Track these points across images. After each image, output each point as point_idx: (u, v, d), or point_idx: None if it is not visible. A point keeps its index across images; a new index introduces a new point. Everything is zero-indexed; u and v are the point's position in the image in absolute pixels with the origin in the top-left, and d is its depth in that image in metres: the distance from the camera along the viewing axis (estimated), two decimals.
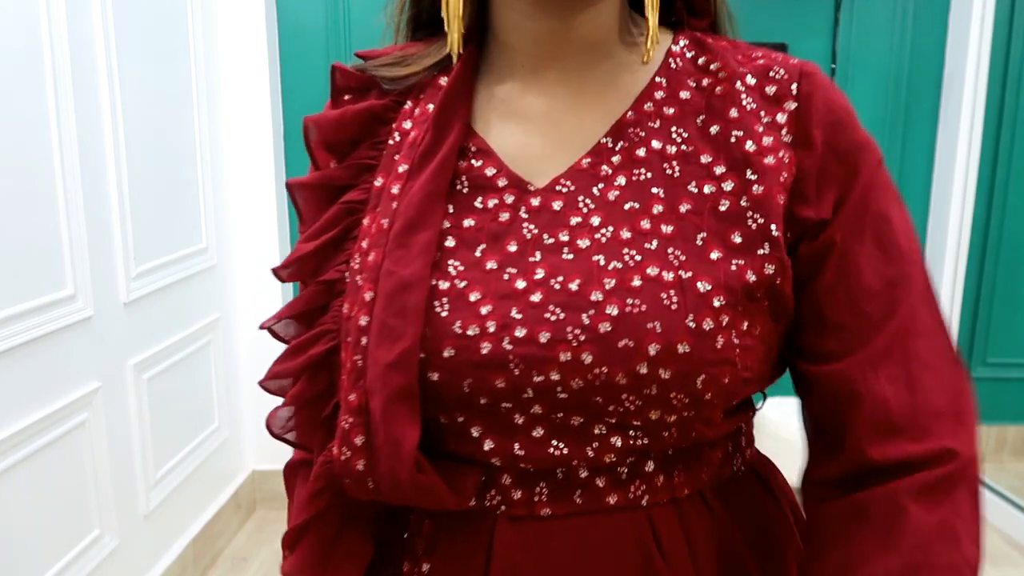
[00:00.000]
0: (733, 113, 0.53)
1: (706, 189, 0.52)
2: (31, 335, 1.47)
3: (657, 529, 0.54)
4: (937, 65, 2.50)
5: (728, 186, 0.52)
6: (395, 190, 0.56)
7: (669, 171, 0.53)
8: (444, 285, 0.52)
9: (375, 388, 0.50)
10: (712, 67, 0.55)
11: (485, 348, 0.49)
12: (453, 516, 0.55)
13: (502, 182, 0.55)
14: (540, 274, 0.51)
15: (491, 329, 0.50)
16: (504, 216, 0.54)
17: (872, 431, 0.50)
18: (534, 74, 0.57)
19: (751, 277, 0.50)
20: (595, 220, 0.52)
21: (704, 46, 0.57)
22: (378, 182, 0.58)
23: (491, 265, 0.52)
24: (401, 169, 0.57)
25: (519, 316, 0.50)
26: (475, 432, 0.52)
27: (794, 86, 0.53)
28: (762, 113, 0.53)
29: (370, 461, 0.51)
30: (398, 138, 0.59)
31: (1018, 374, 2.68)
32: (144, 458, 1.88)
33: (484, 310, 0.50)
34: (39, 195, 1.51)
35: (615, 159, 0.54)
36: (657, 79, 0.56)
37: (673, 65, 0.56)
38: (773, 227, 0.50)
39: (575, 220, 0.52)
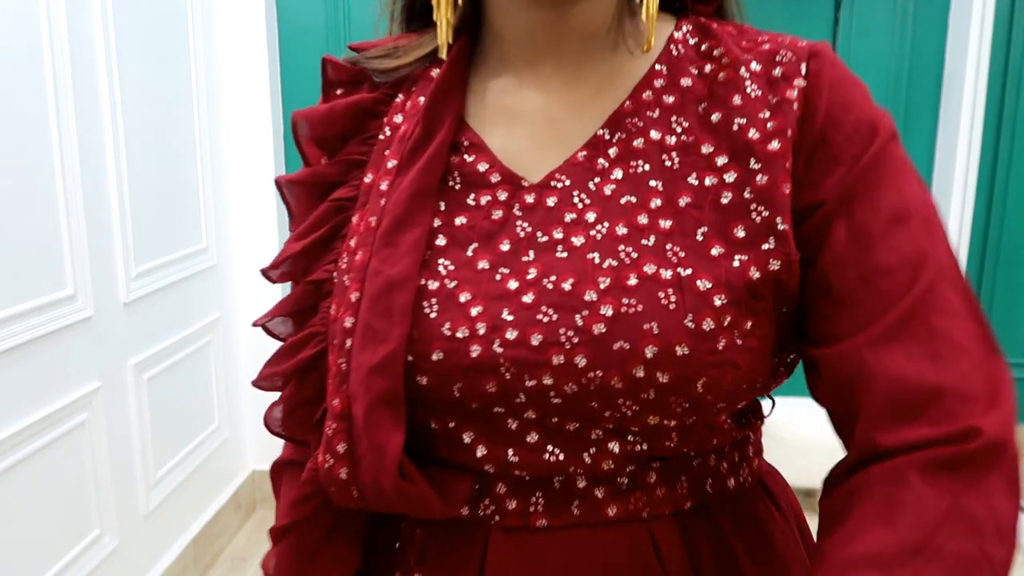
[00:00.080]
0: (736, 100, 0.50)
1: (707, 181, 0.49)
2: (31, 335, 1.47)
3: (659, 544, 0.51)
4: (937, 65, 2.50)
5: (730, 177, 0.49)
6: (384, 186, 0.54)
7: (668, 163, 0.50)
8: (433, 285, 0.50)
9: (357, 393, 0.48)
10: (715, 53, 0.52)
11: (475, 351, 0.47)
12: (445, 525, 0.53)
13: (495, 178, 0.53)
14: (533, 274, 0.49)
15: (481, 331, 0.48)
16: (497, 213, 0.51)
17: (884, 413, 0.44)
18: (529, 66, 0.55)
19: (754, 274, 0.47)
20: (590, 216, 0.50)
21: (707, 32, 0.53)
22: (368, 178, 0.56)
23: (483, 265, 0.50)
24: (390, 165, 0.55)
25: (510, 318, 0.47)
26: (467, 438, 0.50)
27: (803, 65, 0.50)
28: (769, 97, 0.49)
29: (353, 469, 0.49)
30: (389, 133, 0.57)
31: (1018, 374, 2.67)
32: (144, 458, 1.88)
33: (474, 311, 0.48)
34: (39, 195, 1.51)
35: (612, 151, 0.51)
36: (657, 67, 0.53)
37: (674, 52, 0.53)
38: (779, 220, 0.47)
39: (570, 217, 0.50)
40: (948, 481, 0.42)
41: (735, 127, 0.49)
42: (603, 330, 0.46)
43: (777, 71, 0.50)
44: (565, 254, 0.49)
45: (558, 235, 0.50)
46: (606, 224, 0.49)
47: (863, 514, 0.43)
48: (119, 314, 1.78)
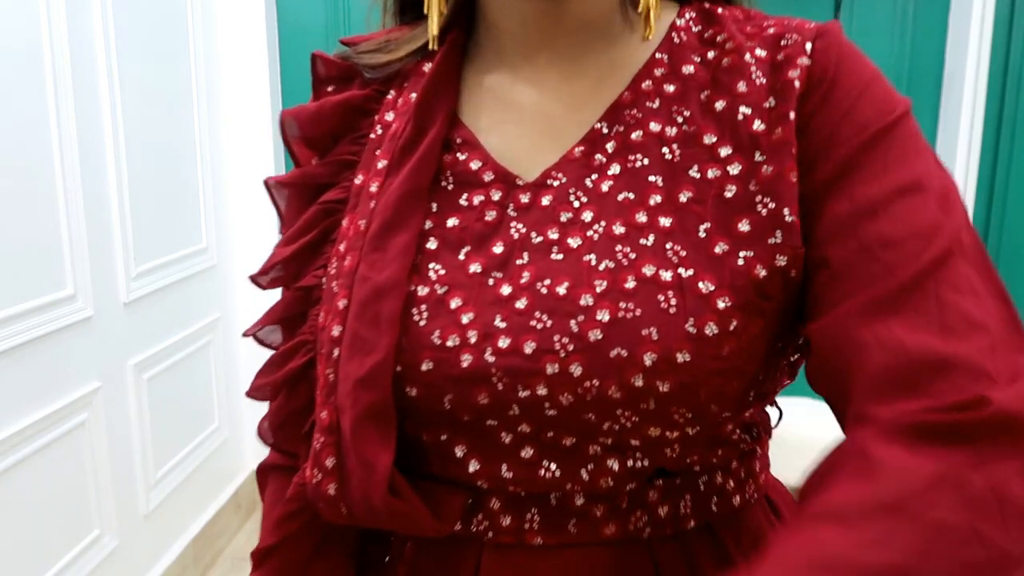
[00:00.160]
0: (741, 87, 0.47)
1: (710, 174, 0.46)
2: (31, 335, 1.47)
3: (660, 565, 0.49)
4: (937, 65, 2.50)
5: (735, 169, 0.45)
6: (373, 188, 0.51)
7: (669, 155, 0.47)
8: (423, 291, 0.47)
9: (345, 405, 0.46)
10: (718, 39, 0.49)
11: (466, 360, 0.45)
12: (437, 540, 0.51)
13: (488, 176, 0.50)
14: (526, 277, 0.46)
15: (472, 339, 0.45)
16: (491, 215, 0.49)
17: (878, 386, 0.39)
18: (525, 58, 0.52)
19: (761, 272, 0.43)
20: (587, 215, 0.47)
21: (712, 18, 0.51)
22: (358, 179, 0.54)
23: (475, 269, 0.47)
24: (380, 165, 0.52)
25: (503, 324, 0.45)
26: (459, 452, 0.48)
27: (808, 45, 0.46)
28: (773, 83, 0.47)
29: (342, 484, 0.47)
30: (380, 131, 0.54)
31: None
32: (144, 458, 1.88)
33: (465, 318, 0.46)
34: (39, 195, 1.51)
35: (609, 146, 0.48)
36: (657, 55, 0.50)
37: (676, 39, 0.50)
38: (786, 211, 0.44)
39: (565, 216, 0.47)
40: (943, 450, 0.36)
41: (739, 116, 0.46)
42: (599, 336, 0.43)
43: (781, 56, 0.47)
44: (560, 256, 0.46)
45: (553, 235, 0.47)
46: (603, 223, 0.46)
47: (837, 475, 0.38)
48: (119, 314, 1.78)
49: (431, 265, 0.48)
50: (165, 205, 1.98)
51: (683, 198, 0.46)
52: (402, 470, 0.47)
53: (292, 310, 0.55)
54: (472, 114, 0.53)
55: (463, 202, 0.50)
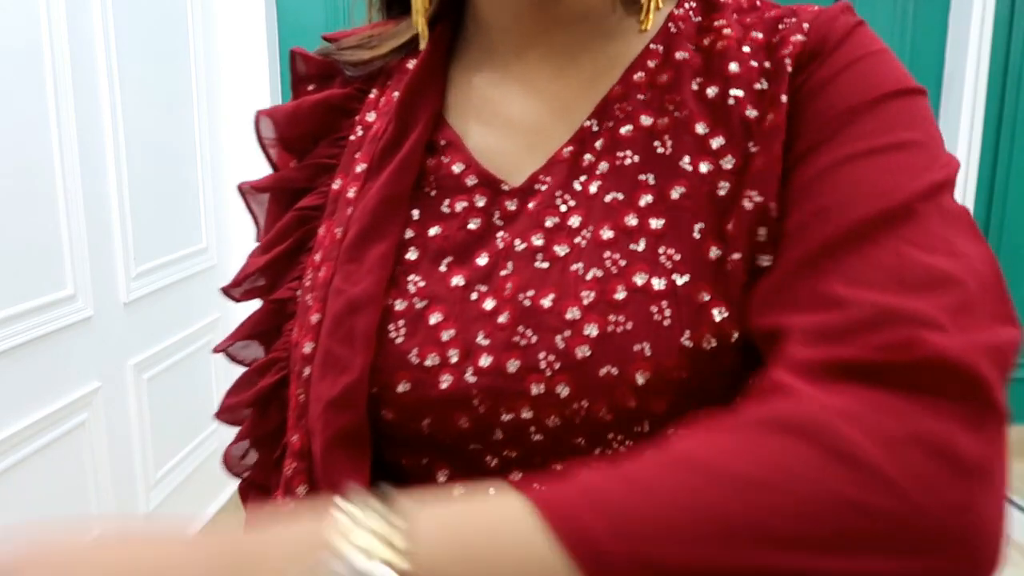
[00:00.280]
0: (733, 68, 0.44)
1: (702, 167, 0.42)
2: (31, 335, 1.47)
3: None
4: (937, 65, 2.50)
5: (728, 163, 0.42)
6: (351, 193, 0.48)
7: (661, 149, 0.44)
8: (400, 305, 0.44)
9: (316, 429, 0.43)
10: (716, 24, 0.46)
11: (445, 381, 0.42)
12: None
13: (471, 181, 0.46)
14: (509, 288, 0.42)
15: (453, 359, 0.42)
16: (475, 223, 0.45)
17: (804, 335, 0.35)
18: (516, 55, 0.49)
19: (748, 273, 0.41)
20: (574, 220, 0.43)
21: (713, 6, 0.47)
22: (336, 184, 0.50)
23: (457, 281, 0.44)
24: (359, 169, 0.49)
25: (486, 342, 0.41)
26: (441, 477, 0.44)
27: (806, 24, 0.43)
28: (766, 64, 0.43)
29: None
30: (361, 132, 0.51)
31: (1018, 374, 2.68)
32: (144, 458, 1.88)
33: (446, 335, 0.42)
34: (39, 195, 1.51)
35: (599, 144, 0.45)
36: (652, 46, 0.46)
37: (673, 29, 0.47)
38: (773, 206, 0.41)
39: (551, 221, 0.43)
40: (861, 388, 0.31)
41: (731, 101, 0.43)
42: (587, 353, 0.39)
43: (777, 37, 0.44)
44: (546, 264, 0.42)
45: (538, 242, 0.43)
46: (591, 228, 0.43)
47: (742, 401, 0.35)
48: (119, 314, 1.78)
49: (410, 277, 0.45)
50: (165, 205, 1.98)
51: (675, 194, 0.42)
52: None
53: (265, 324, 0.51)
54: (458, 115, 0.50)
55: (445, 209, 0.46)
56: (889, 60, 0.42)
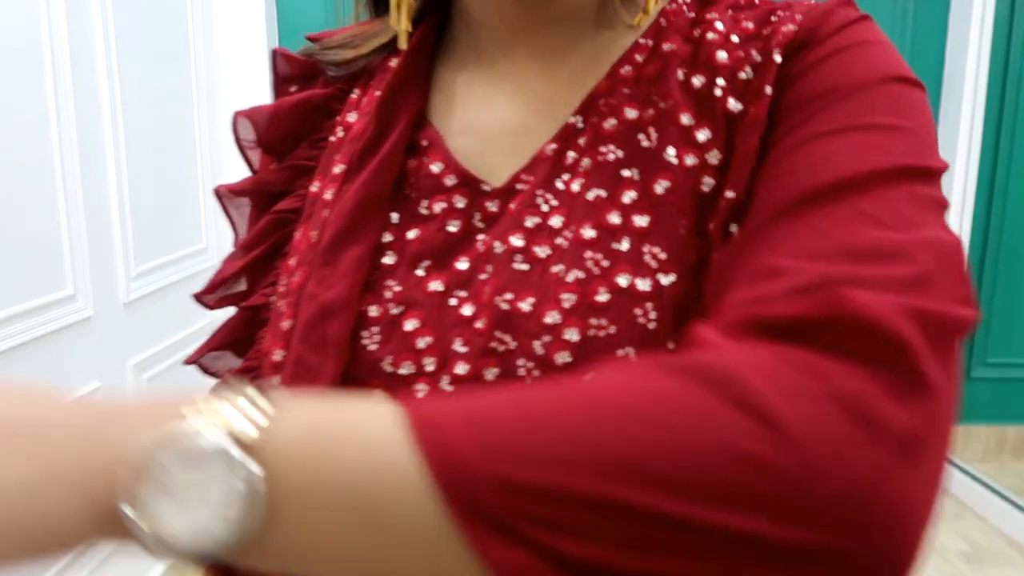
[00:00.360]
0: (720, 57, 0.41)
1: (688, 160, 0.40)
2: (31, 335, 1.47)
3: None
4: (937, 65, 2.50)
5: (714, 158, 0.40)
6: (328, 195, 0.47)
7: (646, 142, 0.41)
8: (375, 311, 0.42)
9: None
10: (708, 16, 0.44)
11: (420, 391, 0.40)
12: None
13: (450, 181, 0.45)
14: (487, 293, 0.41)
15: (429, 367, 0.40)
16: (454, 225, 0.44)
17: (728, 306, 0.33)
18: (503, 52, 0.47)
19: None
20: (556, 220, 0.41)
21: (708, 0, 0.46)
22: (314, 187, 0.48)
23: (435, 287, 0.42)
24: (337, 170, 0.47)
25: (463, 349, 0.40)
26: None
27: (800, 15, 0.41)
28: (753, 54, 0.41)
29: None
30: (341, 133, 0.49)
31: (1018, 374, 2.68)
32: None
33: (422, 342, 0.41)
34: (39, 195, 1.51)
35: (583, 140, 0.43)
36: (641, 41, 0.44)
37: (664, 23, 0.45)
38: (742, 201, 0.39)
39: (532, 222, 0.42)
40: (774, 344, 0.29)
41: (717, 92, 0.41)
42: (568, 359, 0.38)
43: (768, 29, 0.42)
44: (526, 267, 0.40)
45: (517, 243, 0.41)
46: (573, 228, 0.41)
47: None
48: (119, 314, 1.78)
49: (387, 282, 0.43)
50: (165, 205, 1.98)
51: (659, 189, 0.40)
52: None
53: (239, 332, 0.50)
54: (441, 114, 0.48)
55: (423, 211, 0.45)
56: (886, 51, 0.40)
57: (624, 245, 0.40)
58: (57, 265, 1.56)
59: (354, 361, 0.42)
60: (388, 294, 0.43)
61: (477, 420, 0.28)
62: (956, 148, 2.46)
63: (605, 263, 0.39)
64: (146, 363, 1.89)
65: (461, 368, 0.40)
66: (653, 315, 0.38)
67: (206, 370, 0.51)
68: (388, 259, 0.44)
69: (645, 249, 0.39)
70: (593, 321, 0.38)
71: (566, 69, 0.46)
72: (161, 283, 1.95)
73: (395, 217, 0.45)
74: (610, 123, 0.43)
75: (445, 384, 0.40)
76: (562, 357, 0.38)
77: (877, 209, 0.33)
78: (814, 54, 0.39)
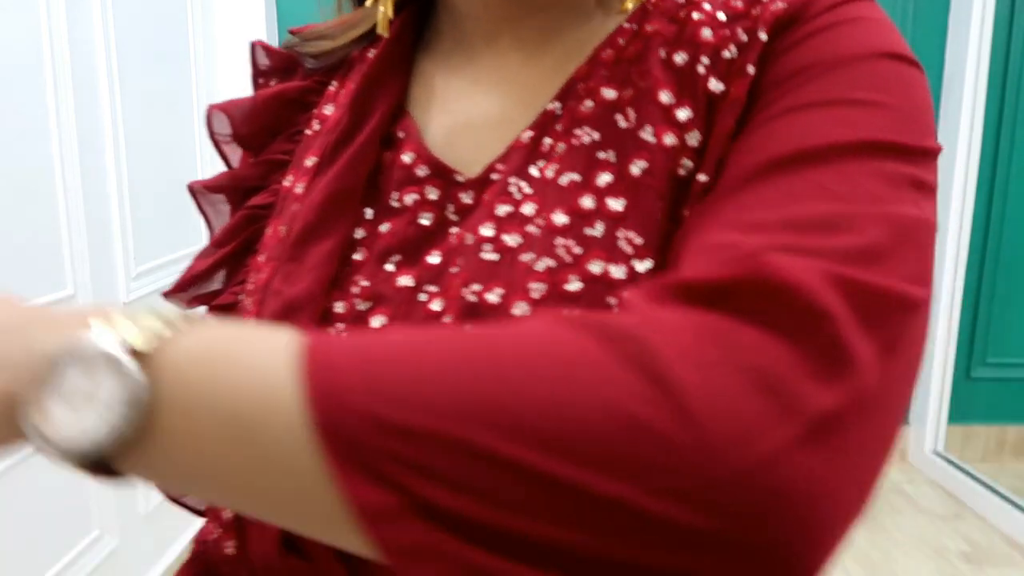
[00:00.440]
0: (705, 34, 0.39)
1: (666, 140, 0.38)
2: None
3: None
4: (937, 65, 2.50)
5: (694, 139, 0.38)
6: (299, 189, 0.45)
7: (624, 123, 0.39)
8: (340, 308, 0.41)
9: None
10: None
11: None
12: None
13: (421, 171, 0.43)
14: (456, 286, 0.39)
15: None
16: (426, 218, 0.42)
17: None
18: (486, 41, 0.45)
19: None
20: (528, 208, 0.39)
21: None
22: (287, 181, 0.47)
23: (405, 282, 0.40)
24: (309, 163, 0.46)
25: None
26: None
27: None
28: (740, 31, 0.39)
29: (242, 543, 0.41)
30: (317, 127, 0.48)
31: (1018, 374, 2.68)
32: None
33: None
34: (39, 195, 1.51)
35: (559, 126, 0.41)
36: (626, 25, 0.43)
37: (650, 7, 0.43)
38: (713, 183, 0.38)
39: (503, 210, 0.40)
40: (690, 308, 0.27)
41: (700, 69, 0.39)
42: None
43: (757, 9, 0.40)
44: (495, 256, 0.38)
45: (487, 232, 0.39)
46: (545, 215, 0.39)
47: None
48: None
49: (354, 278, 0.42)
50: (165, 205, 1.98)
51: (635, 170, 0.38)
52: None
53: None
54: (421, 105, 0.46)
55: (394, 203, 0.43)
56: (880, 27, 0.37)
57: (597, 230, 0.37)
58: (57, 265, 1.56)
59: None
60: (355, 290, 0.41)
61: (369, 357, 0.27)
62: (956, 148, 2.46)
63: (577, 250, 0.37)
64: None
65: None
66: None
67: None
68: (359, 255, 0.42)
69: (620, 234, 0.37)
70: (564, 311, 0.36)
71: (549, 57, 0.44)
72: (161, 283, 1.95)
73: (369, 213, 0.43)
74: (587, 105, 0.41)
75: None
76: None
77: (834, 182, 0.31)
78: (802, 31, 0.37)
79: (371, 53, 0.48)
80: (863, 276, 0.28)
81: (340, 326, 0.40)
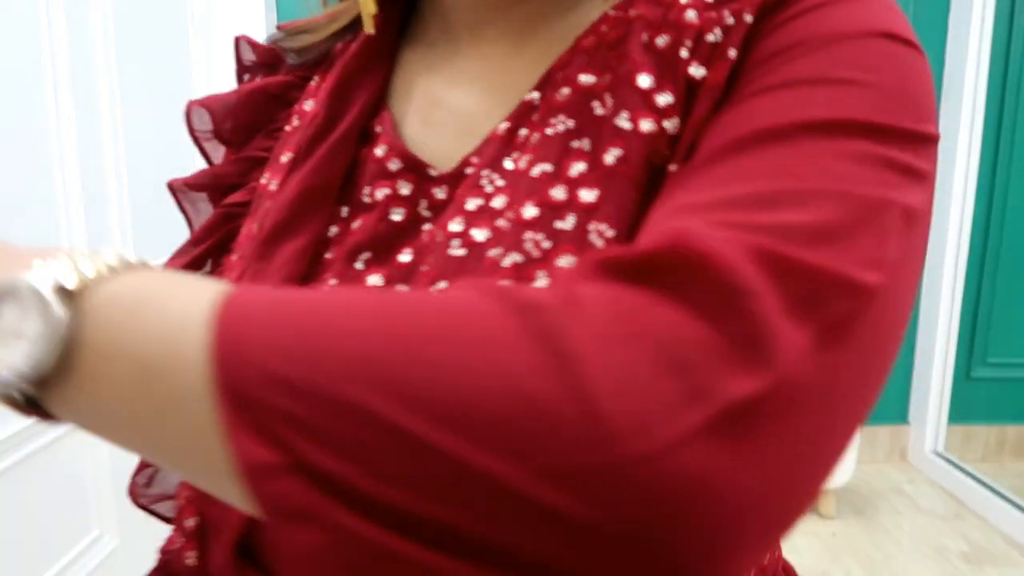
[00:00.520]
0: (689, 16, 0.37)
1: (644, 126, 0.36)
2: None
3: None
4: (937, 65, 2.50)
5: (671, 125, 0.36)
6: (273, 186, 0.44)
7: (600, 109, 0.37)
8: None
9: None
10: None
11: None
12: None
13: (394, 165, 0.41)
14: (425, 285, 0.38)
15: None
16: (398, 214, 0.40)
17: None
18: (471, 32, 0.44)
19: None
20: (498, 201, 0.37)
21: None
22: (264, 178, 0.46)
23: (374, 281, 0.39)
24: (284, 159, 0.45)
25: None
26: None
27: None
28: (726, 14, 0.36)
29: (203, 552, 0.40)
30: (297, 123, 0.47)
31: (1018, 374, 2.68)
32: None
33: None
34: (39, 195, 1.51)
35: (536, 116, 0.39)
36: (611, 12, 0.40)
37: None
38: None
39: (474, 204, 0.38)
40: (616, 283, 0.26)
41: (683, 53, 0.36)
42: None
43: None
44: (463, 252, 0.37)
45: (456, 228, 0.38)
46: (515, 208, 0.37)
47: None
48: None
49: (324, 277, 0.40)
50: (165, 205, 1.97)
51: (609, 159, 0.36)
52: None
53: None
54: (401, 98, 0.45)
55: (366, 198, 0.41)
56: (879, 6, 0.34)
57: (568, 223, 0.35)
58: None
59: None
60: (324, 289, 0.39)
61: (281, 311, 0.26)
62: (956, 148, 2.46)
63: (546, 244, 0.35)
64: None
65: None
66: None
67: None
68: (330, 253, 0.41)
69: (591, 227, 0.35)
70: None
71: (534, 47, 0.42)
72: None
73: (345, 211, 0.42)
74: (563, 92, 0.39)
75: None
76: None
77: (793, 161, 0.29)
78: (791, 10, 0.35)
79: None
80: (798, 254, 0.26)
81: None
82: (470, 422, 0.22)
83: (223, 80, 2.29)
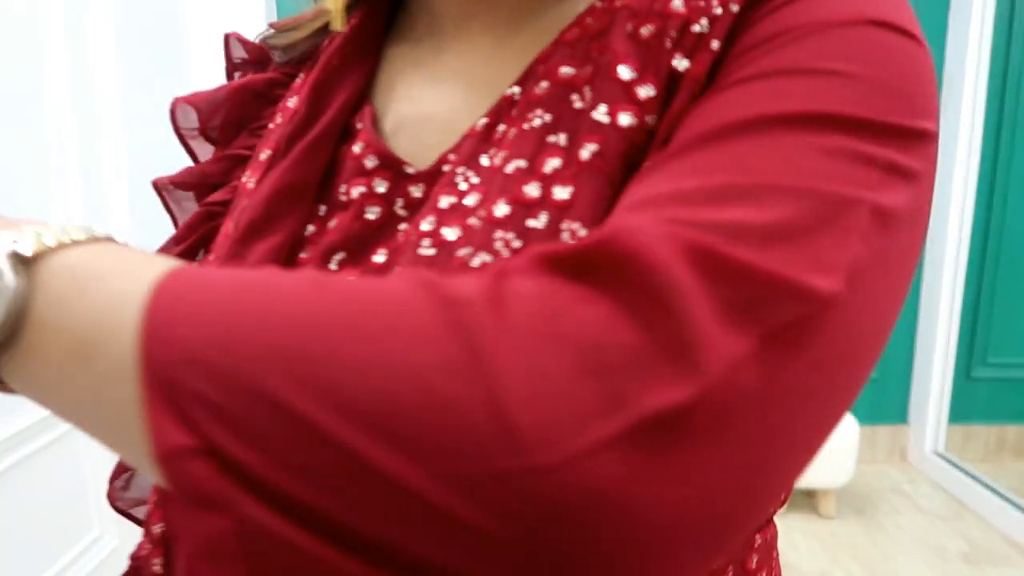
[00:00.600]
0: (676, 4, 0.35)
1: (623, 120, 0.34)
2: None
3: None
4: (937, 65, 2.50)
5: (652, 119, 0.34)
6: (251, 184, 0.43)
7: (579, 103, 0.36)
8: None
9: None
10: None
11: None
12: None
13: (370, 162, 0.40)
14: None
15: None
16: (372, 212, 0.39)
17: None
18: (456, 25, 0.42)
19: None
20: (471, 199, 0.36)
21: None
22: (245, 176, 0.45)
23: None
24: (263, 157, 0.44)
25: None
26: None
27: None
28: (713, 3, 0.34)
29: (167, 560, 0.39)
30: (280, 120, 0.46)
31: (1018, 374, 2.68)
32: None
33: None
34: (39, 195, 1.51)
35: (515, 112, 0.38)
36: (598, 4, 0.39)
37: None
38: None
39: (446, 202, 0.37)
40: (552, 277, 0.25)
41: (667, 43, 0.34)
42: None
43: None
44: (432, 251, 0.36)
45: (426, 227, 0.36)
46: (487, 206, 0.35)
47: None
48: None
49: None
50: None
51: (585, 153, 0.34)
52: None
53: None
54: (383, 94, 0.44)
55: (341, 196, 0.40)
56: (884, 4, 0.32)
57: (540, 222, 0.34)
58: None
59: None
60: None
61: (212, 293, 0.25)
62: (956, 148, 2.46)
63: (516, 244, 0.34)
64: None
65: None
66: None
67: None
68: (305, 253, 0.40)
69: (564, 226, 0.34)
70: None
71: (519, 40, 0.41)
72: None
73: (322, 209, 0.41)
74: (542, 86, 0.37)
75: None
76: None
77: (755, 155, 0.27)
78: (769, 4, 0.33)
79: None
80: (739, 254, 0.24)
81: None
82: (377, 419, 0.22)
83: (222, 79, 2.29)
